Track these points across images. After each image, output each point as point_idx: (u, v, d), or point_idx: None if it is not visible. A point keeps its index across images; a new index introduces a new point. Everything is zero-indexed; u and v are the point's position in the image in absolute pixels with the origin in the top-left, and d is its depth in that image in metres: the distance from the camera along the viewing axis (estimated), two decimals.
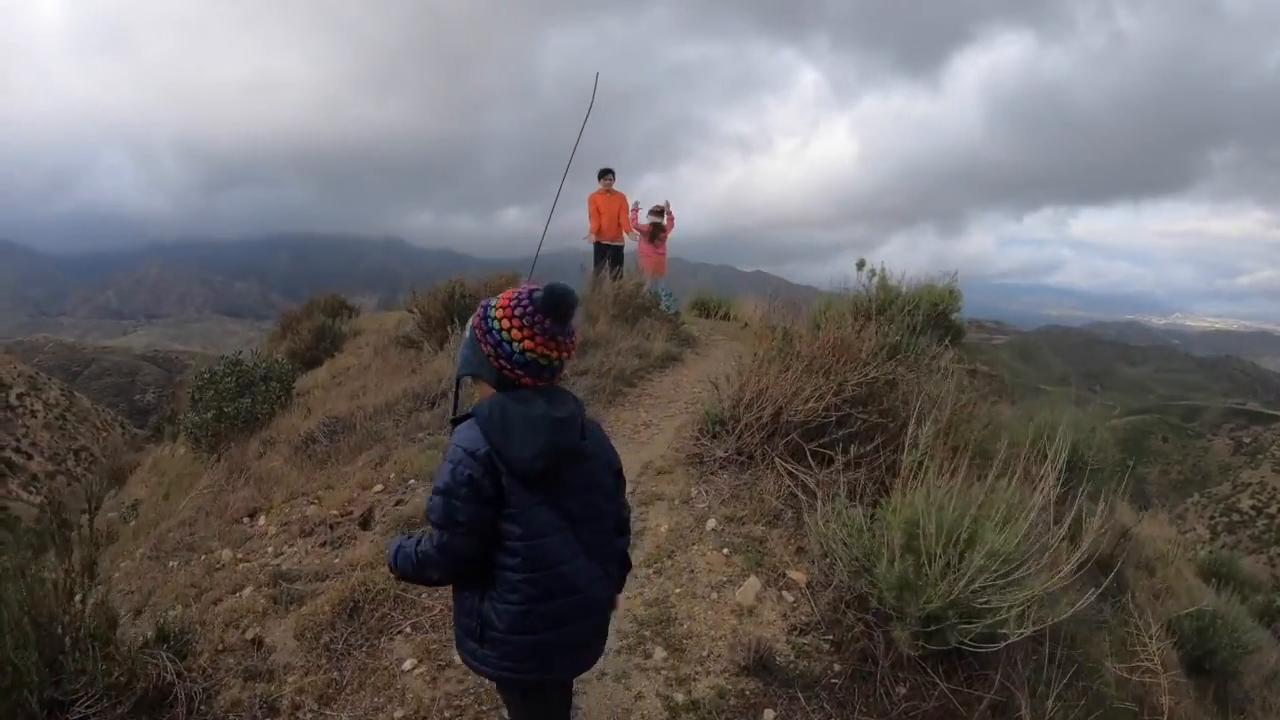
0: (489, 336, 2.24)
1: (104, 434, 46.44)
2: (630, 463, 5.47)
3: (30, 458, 42.34)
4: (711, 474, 5.05)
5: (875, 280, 7.49)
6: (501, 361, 2.23)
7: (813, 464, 4.88)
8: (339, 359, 14.13)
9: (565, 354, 2.26)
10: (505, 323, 2.22)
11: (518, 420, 2.20)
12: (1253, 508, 60.41)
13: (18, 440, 42.73)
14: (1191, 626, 6.40)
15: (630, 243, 12.33)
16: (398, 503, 5.33)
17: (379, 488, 5.63)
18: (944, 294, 7.63)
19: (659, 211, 12.32)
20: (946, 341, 7.12)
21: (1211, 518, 59.89)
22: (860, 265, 7.54)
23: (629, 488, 5.04)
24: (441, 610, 4.07)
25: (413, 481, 5.54)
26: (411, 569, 2.38)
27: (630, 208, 12.23)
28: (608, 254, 12.14)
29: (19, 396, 45.30)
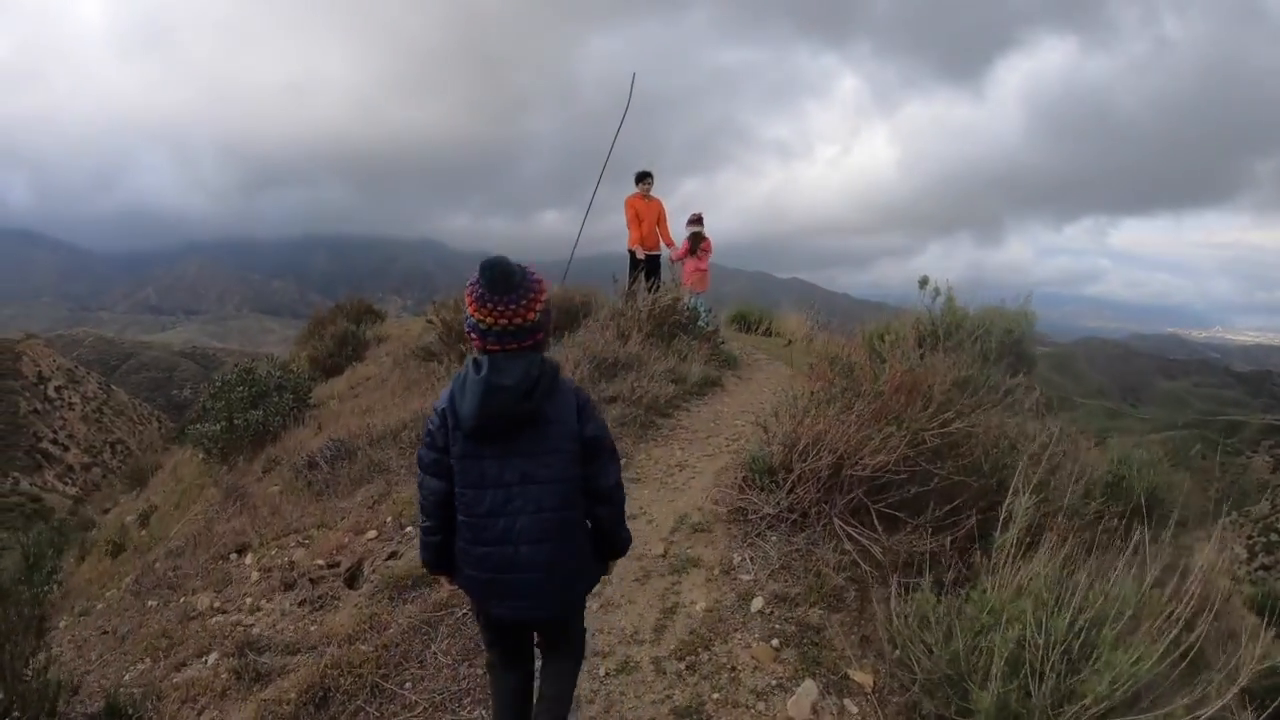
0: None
1: (140, 428, 46.71)
2: (663, 514, 4.70)
3: (67, 449, 42.64)
4: (758, 535, 4.24)
5: (940, 300, 6.63)
6: (466, 327, 2.51)
7: (879, 527, 4.09)
8: (360, 368, 13.54)
9: (498, 320, 2.41)
10: (466, 294, 2.45)
11: (467, 383, 2.46)
12: None
13: (55, 432, 43.10)
14: (1260, 686, 5.56)
15: (666, 250, 11.59)
16: (390, 555, 4.59)
17: (372, 534, 4.91)
18: (1018, 318, 6.74)
19: (697, 220, 11.55)
20: (1022, 375, 6.24)
21: (1250, 537, 58.47)
22: (923, 283, 6.72)
23: (660, 548, 4.28)
24: (425, 710, 3.32)
25: (410, 529, 4.80)
26: (420, 536, 2.73)
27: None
28: (644, 264, 11.39)
29: (57, 389, 45.72)
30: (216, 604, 5.03)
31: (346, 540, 4.95)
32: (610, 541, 2.73)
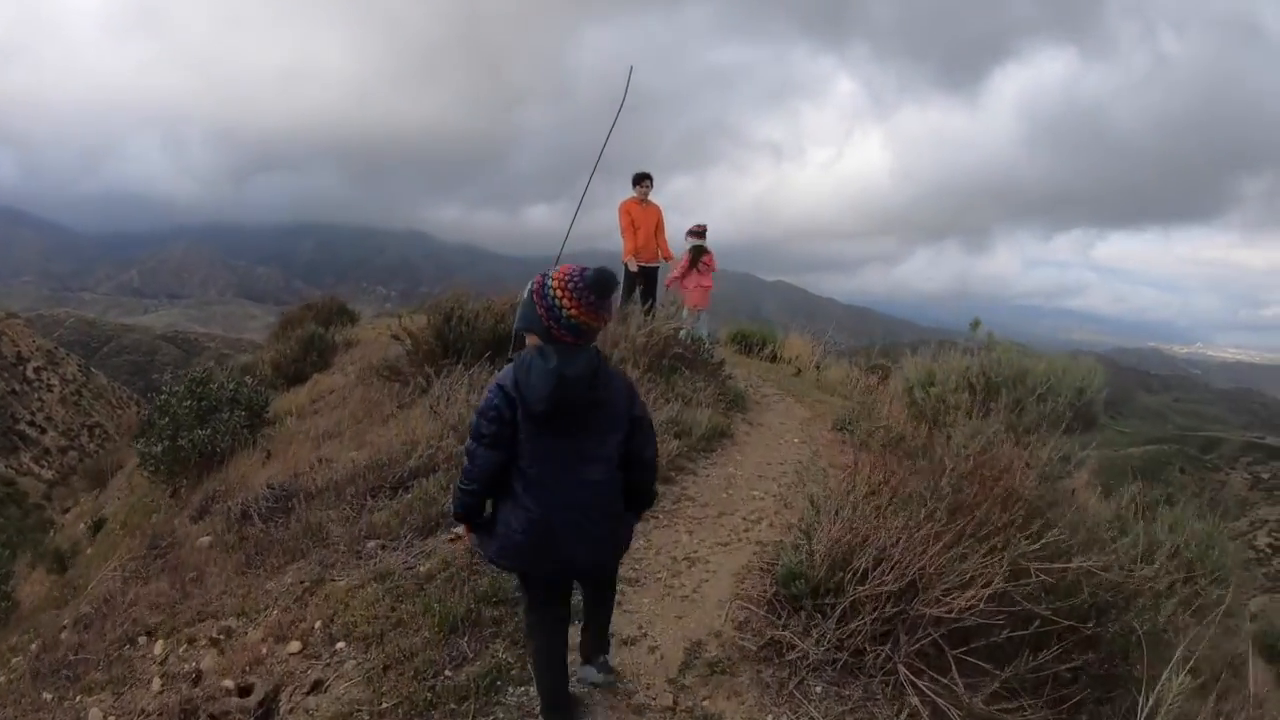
0: (544, 300, 2.76)
1: (119, 412, 45.98)
2: (670, 639, 3.61)
3: (44, 432, 42.03)
4: (799, 685, 3.18)
5: (995, 353, 5.62)
6: (551, 322, 2.76)
7: (958, 678, 3.07)
8: (323, 378, 12.45)
9: (601, 323, 2.81)
10: (559, 293, 2.74)
11: (536, 370, 2.72)
12: (1270, 545, 58.45)
13: (33, 414, 42.52)
14: None
15: (664, 264, 10.50)
16: (314, 686, 3.51)
17: (295, 646, 3.83)
18: (1089, 372, 5.73)
19: (699, 233, 10.46)
20: (1089, 451, 5.22)
21: None
22: (975, 326, 5.74)
23: (668, 694, 3.25)
24: None
25: (342, 646, 3.72)
26: (459, 494, 2.91)
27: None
28: (639, 279, 10.28)
29: (36, 370, 45.13)
30: (111, 718, 4.01)
31: (265, 651, 3.88)
32: (644, 499, 3.10)
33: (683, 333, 8.09)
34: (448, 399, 6.41)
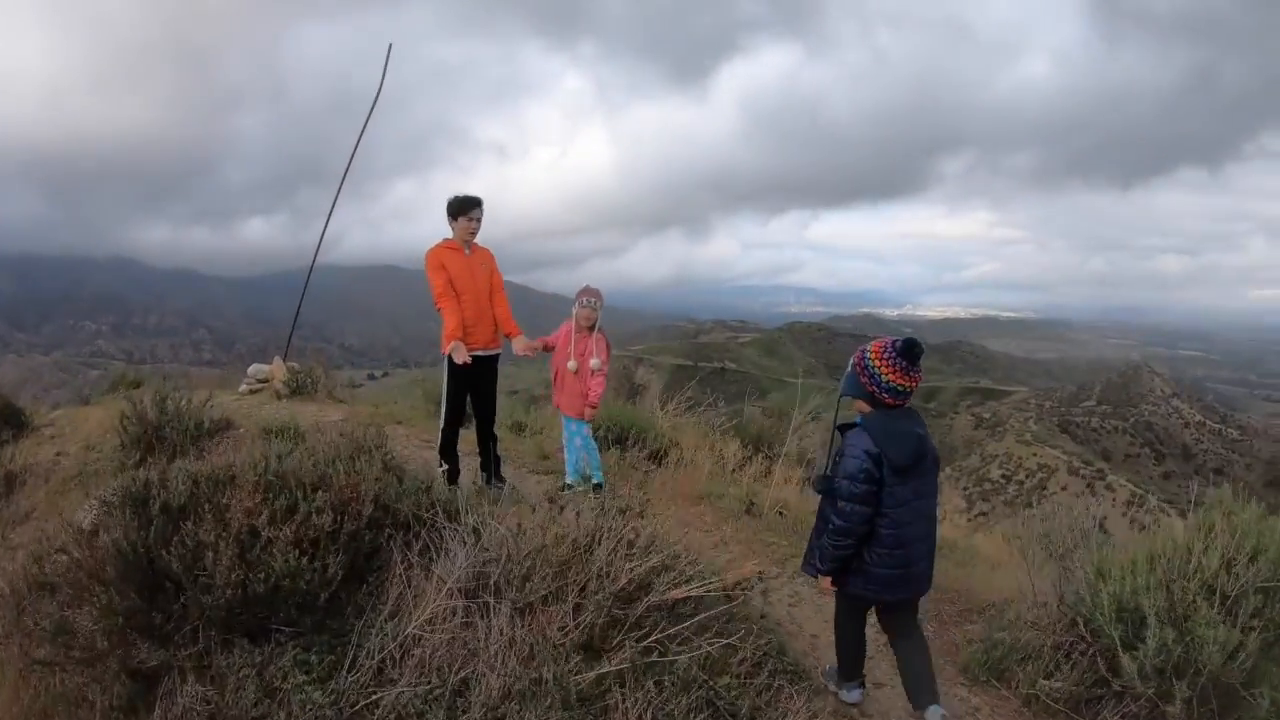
0: (866, 371, 3.49)
1: None
2: None
3: None
4: None
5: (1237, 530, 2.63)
6: (874, 387, 3.47)
7: None
8: None
9: (913, 385, 3.46)
10: (879, 363, 3.46)
11: (896, 432, 3.44)
12: (1002, 476, 67.97)
13: None
14: None
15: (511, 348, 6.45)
16: None
17: None
18: None
19: (594, 297, 6.36)
20: None
21: (965, 488, 65.08)
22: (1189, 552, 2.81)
23: None
24: None
25: None
26: (831, 552, 3.55)
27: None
28: (471, 381, 6.23)
29: None
30: None
31: None
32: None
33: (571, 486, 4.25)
34: None
